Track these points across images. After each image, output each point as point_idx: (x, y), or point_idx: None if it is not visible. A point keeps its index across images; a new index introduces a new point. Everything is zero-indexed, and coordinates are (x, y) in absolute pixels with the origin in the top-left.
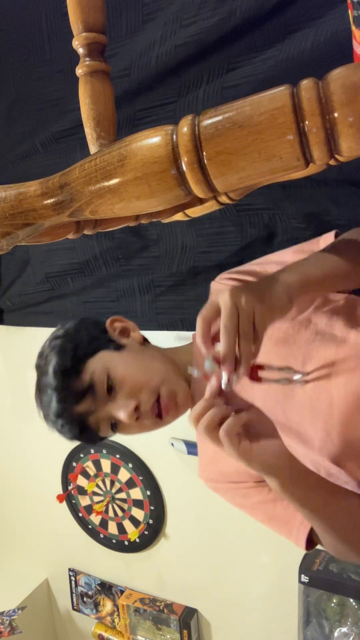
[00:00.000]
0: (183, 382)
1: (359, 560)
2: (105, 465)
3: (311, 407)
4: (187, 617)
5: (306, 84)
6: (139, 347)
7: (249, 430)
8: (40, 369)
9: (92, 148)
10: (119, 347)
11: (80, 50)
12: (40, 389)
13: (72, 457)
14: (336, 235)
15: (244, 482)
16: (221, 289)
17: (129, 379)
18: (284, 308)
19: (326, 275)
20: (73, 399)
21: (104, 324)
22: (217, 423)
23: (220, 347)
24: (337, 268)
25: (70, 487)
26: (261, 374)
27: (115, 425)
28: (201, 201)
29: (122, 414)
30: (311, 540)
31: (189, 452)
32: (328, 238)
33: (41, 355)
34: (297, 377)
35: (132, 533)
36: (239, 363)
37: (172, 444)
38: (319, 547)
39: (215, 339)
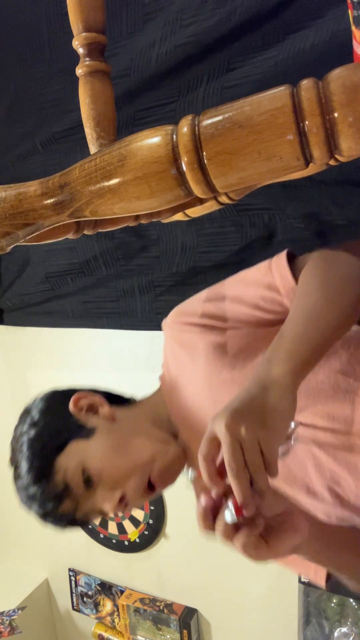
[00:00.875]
0: (174, 445)
1: None
2: None
3: (315, 465)
4: (187, 617)
5: (306, 84)
6: (111, 425)
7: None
8: (13, 467)
9: (92, 148)
10: (89, 433)
11: (80, 50)
12: (18, 490)
13: None
14: (288, 255)
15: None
16: (217, 422)
17: (108, 470)
18: (290, 414)
19: (321, 339)
20: (52, 503)
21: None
22: (231, 530)
23: (234, 492)
24: (330, 322)
25: None
26: None
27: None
28: (201, 201)
29: (107, 507)
30: (329, 575)
31: None
32: (280, 263)
33: (13, 450)
34: (292, 439)
35: (132, 533)
36: (261, 497)
37: None
38: None
39: (222, 471)
